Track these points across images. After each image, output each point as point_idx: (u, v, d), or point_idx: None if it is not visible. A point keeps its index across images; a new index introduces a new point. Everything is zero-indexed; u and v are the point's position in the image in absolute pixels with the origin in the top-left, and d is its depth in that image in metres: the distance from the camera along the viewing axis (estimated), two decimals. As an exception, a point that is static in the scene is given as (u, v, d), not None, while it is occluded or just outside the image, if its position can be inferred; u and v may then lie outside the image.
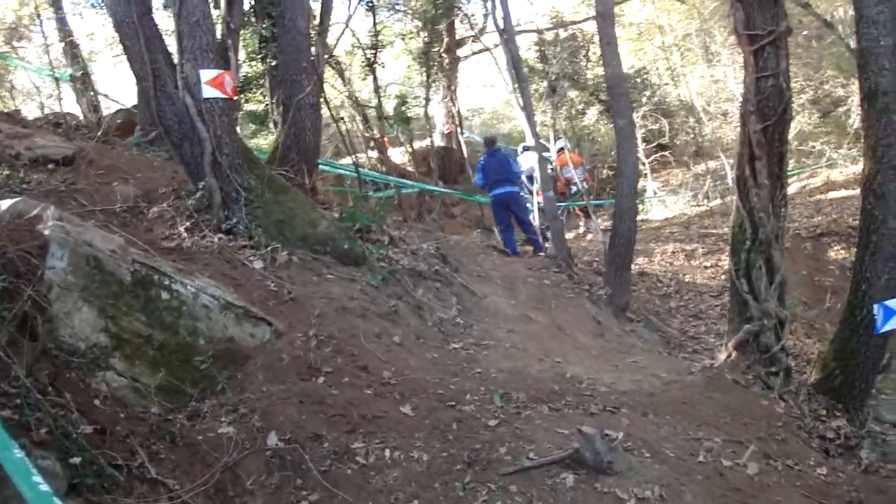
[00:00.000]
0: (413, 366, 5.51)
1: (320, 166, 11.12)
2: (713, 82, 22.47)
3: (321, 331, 5.33)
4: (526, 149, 14.15)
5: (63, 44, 14.40)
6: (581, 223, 16.05)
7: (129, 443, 3.71)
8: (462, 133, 21.48)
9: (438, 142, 21.28)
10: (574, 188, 15.21)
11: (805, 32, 21.76)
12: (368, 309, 6.14)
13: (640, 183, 17.92)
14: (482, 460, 4.12)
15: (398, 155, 20.92)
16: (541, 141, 11.73)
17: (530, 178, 13.42)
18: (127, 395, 4.14)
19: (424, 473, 4.01)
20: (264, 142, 17.06)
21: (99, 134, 8.79)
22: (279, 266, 6.13)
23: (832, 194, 15.68)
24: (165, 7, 11.02)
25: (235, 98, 7.61)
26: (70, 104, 15.02)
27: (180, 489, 3.58)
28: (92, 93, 13.82)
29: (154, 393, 4.22)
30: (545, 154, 14.28)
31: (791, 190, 17.09)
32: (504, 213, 12.13)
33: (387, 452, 4.12)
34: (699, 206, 17.57)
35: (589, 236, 14.63)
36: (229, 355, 4.74)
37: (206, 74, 6.39)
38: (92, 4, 14.18)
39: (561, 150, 15.85)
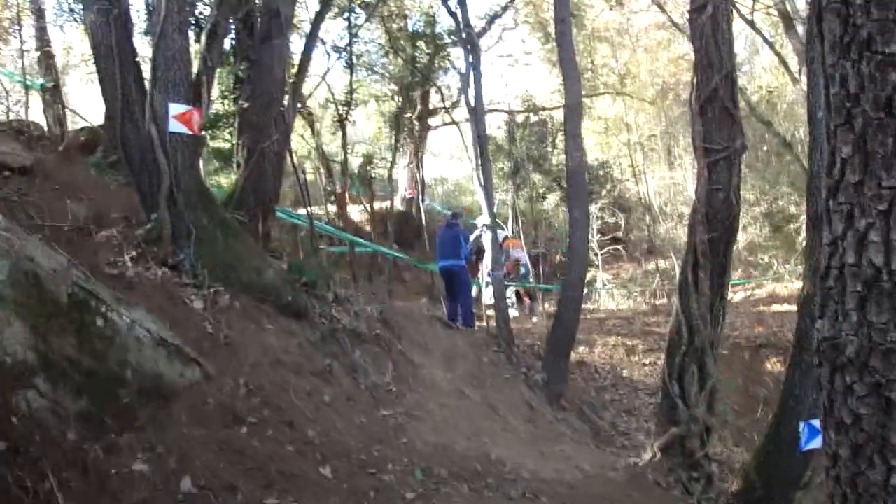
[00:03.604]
0: (339, 428, 5.46)
1: (277, 214, 11.11)
2: (672, 184, 23.12)
3: (252, 380, 5.27)
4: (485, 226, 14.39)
5: (39, 53, 14.30)
6: (525, 305, 16.23)
7: (41, 466, 3.60)
8: (423, 200, 21.67)
9: (399, 205, 21.42)
10: (523, 269, 15.47)
11: (766, 148, 22.58)
12: (303, 365, 6.09)
13: (591, 273, 18.23)
14: (395, 532, 4.08)
15: (357, 213, 20.99)
16: (497, 220, 11.92)
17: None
18: (46, 417, 4.03)
19: (335, 539, 3.96)
20: (226, 180, 17.01)
21: (61, 148, 8.70)
22: (219, 309, 6.07)
23: (775, 307, 16.06)
24: (146, 33, 11.05)
25: (202, 134, 7.62)
26: (36, 114, 14.84)
27: (84, 523, 3.48)
28: (60, 106, 13.69)
29: (74, 419, 4.11)
30: (499, 232, 14.54)
31: (736, 298, 17.54)
32: (449, 285, 12.29)
33: (300, 512, 4.06)
34: (646, 303, 17.87)
35: (534, 319, 14.75)
36: (155, 392, 4.65)
37: (175, 108, 6.41)
38: (74, 19, 14.14)
39: (506, 238, 16.24)
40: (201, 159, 12.02)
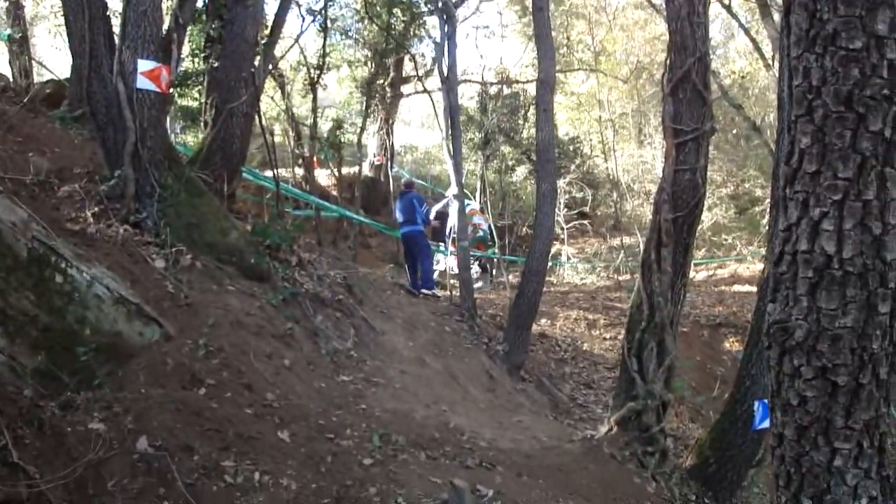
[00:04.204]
0: (298, 392, 5.49)
1: (243, 174, 11.02)
2: (641, 162, 23.25)
3: (211, 341, 5.26)
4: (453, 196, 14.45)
5: (7, 2, 13.96)
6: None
7: (-5, 422, 3.59)
8: (392, 167, 21.59)
9: (367, 171, 21.31)
10: (480, 233, 15.61)
11: (735, 131, 22.79)
12: (264, 327, 6.10)
13: (556, 247, 18.36)
14: (351, 497, 4.12)
15: (324, 177, 20.85)
16: (465, 191, 11.93)
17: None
18: (2, 372, 4.01)
19: (291, 502, 3.99)
20: (193, 139, 16.80)
21: (25, 100, 8.53)
22: (181, 269, 6.04)
23: (736, 287, 16.30)
24: (117, -12, 10.85)
25: (169, 93, 7.52)
26: (2, 65, 14.54)
27: (40, 479, 3.47)
28: (26, 57, 13.39)
29: (30, 375, 4.10)
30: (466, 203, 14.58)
31: (698, 278, 17.77)
32: (408, 250, 12.39)
33: (256, 475, 4.08)
34: (609, 278, 18.03)
35: (478, 284, 14.75)
36: (114, 350, 4.64)
37: (144, 65, 6.31)
38: (45, -31, 13.83)
39: (475, 209, 16.36)
40: (168, 117, 11.88)
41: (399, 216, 12.43)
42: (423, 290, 11.26)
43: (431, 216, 14.14)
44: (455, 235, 11.67)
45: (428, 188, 23.93)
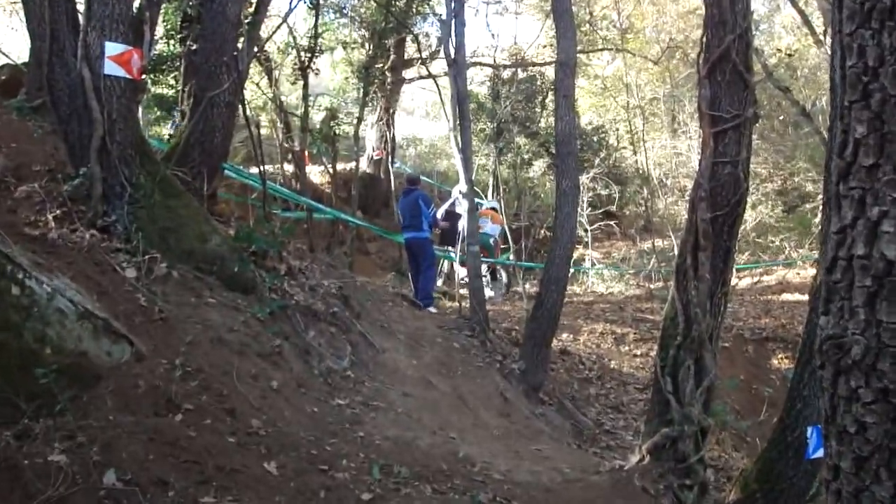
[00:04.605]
0: (288, 418, 5.47)
1: (225, 172, 11.04)
2: (675, 154, 23.17)
3: (189, 361, 5.25)
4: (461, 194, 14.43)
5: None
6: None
7: (-59, 454, 3.58)
8: (393, 163, 21.64)
9: (365, 167, 21.34)
10: (483, 236, 15.63)
11: (782, 117, 22.72)
12: (249, 345, 6.09)
13: (579, 251, 18.31)
14: (346, 537, 4.10)
15: (317, 174, 20.89)
16: (475, 189, 11.91)
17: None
18: (-52, 399, 4.00)
19: (278, 542, 3.97)
20: (167, 132, 16.83)
21: (-22, 88, 8.57)
22: (155, 279, 6.04)
23: (785, 296, 16.21)
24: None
25: (142, 79, 7.53)
26: (-45, 49, 14.63)
27: (-9, 519, 3.47)
28: (-23, 40, 13.49)
29: (-19, 401, 4.09)
30: (478, 203, 14.57)
31: (741, 285, 17.69)
32: (412, 258, 12.42)
33: (239, 512, 4.07)
34: (639, 286, 17.96)
35: (490, 294, 14.74)
36: (78, 372, 4.62)
37: (112, 48, 6.32)
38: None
39: (490, 208, 16.28)
40: (140, 107, 11.90)
41: (401, 218, 12.45)
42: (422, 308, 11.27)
43: (439, 216, 14.14)
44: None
45: (433, 186, 23.92)
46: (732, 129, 6.21)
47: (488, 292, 14.14)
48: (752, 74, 6.38)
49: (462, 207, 12.61)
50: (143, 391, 4.77)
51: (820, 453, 5.84)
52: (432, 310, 11.55)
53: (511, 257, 16.59)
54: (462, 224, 13.00)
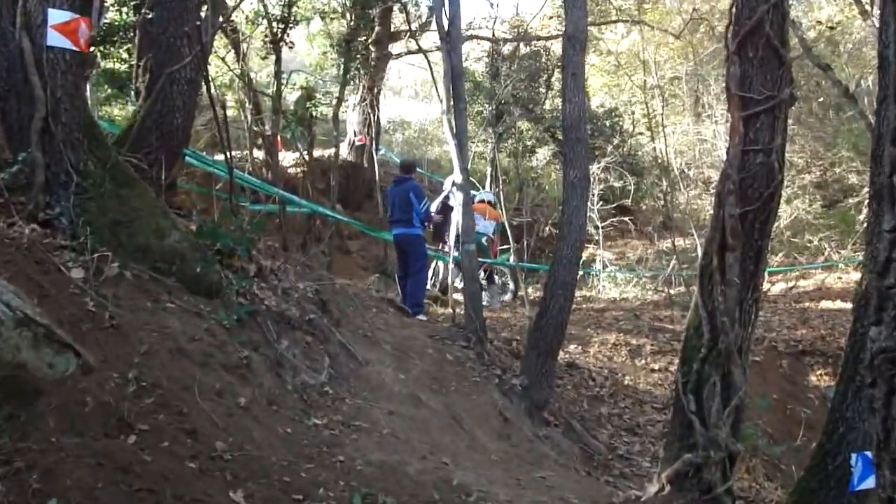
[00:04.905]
0: (257, 439, 5.44)
1: (187, 158, 11.01)
2: (699, 141, 23.19)
3: (144, 374, 5.21)
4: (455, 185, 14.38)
5: None
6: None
7: None
8: (377, 149, 21.61)
9: (346, 155, 21.32)
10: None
11: (822, 99, 22.73)
12: (213, 356, 6.05)
13: (589, 251, 18.34)
14: (324, 577, 4.07)
15: (291, 162, 20.86)
16: (471, 179, 11.88)
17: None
18: None
19: (246, 583, 3.94)
20: (121, 113, 16.80)
21: None
22: (105, 280, 6.00)
23: (825, 304, 16.20)
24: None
25: (90, 51, 7.49)
26: None
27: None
28: None
29: None
30: (479, 194, 14.55)
31: (774, 290, 17.72)
32: (401, 258, 12.41)
33: (201, 548, 4.04)
34: (658, 291, 17.99)
35: (485, 301, 14.74)
36: (15, 386, 4.58)
37: (56, 16, 6.28)
38: None
39: (482, 200, 16.20)
40: (88, 84, 11.86)
41: (391, 211, 12.41)
42: (414, 317, 11.25)
43: (433, 210, 14.10)
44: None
45: (424, 176, 23.91)
46: (765, 113, 6.19)
47: (485, 298, 14.11)
48: (789, 50, 6.36)
49: (456, 200, 12.57)
50: (91, 409, 4.73)
51: (867, 484, 5.81)
52: (422, 317, 11.54)
53: (512, 258, 16.53)
54: (455, 218, 12.93)
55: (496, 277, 16.58)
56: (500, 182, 19.36)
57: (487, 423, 8.23)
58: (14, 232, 5.95)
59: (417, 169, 21.27)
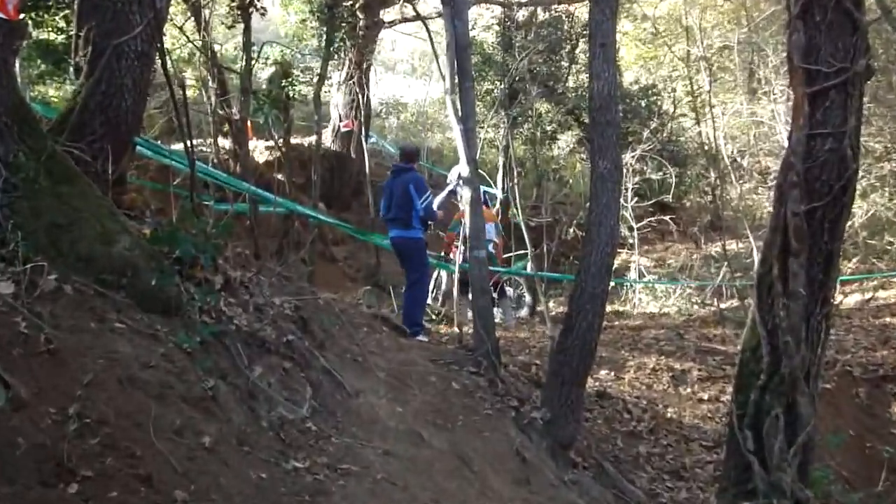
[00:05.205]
0: (225, 487, 5.41)
1: (138, 148, 11.00)
2: (754, 123, 23.16)
3: (88, 409, 5.18)
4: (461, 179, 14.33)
5: None
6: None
7: None
8: (368, 137, 21.59)
9: (329, 143, 21.33)
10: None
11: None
12: (171, 386, 6.02)
13: (622, 257, 18.32)
14: None
15: (264, 152, 20.86)
16: (481, 171, 11.82)
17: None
18: None
19: None
20: (57, 93, 16.80)
21: None
22: (41, 296, 5.97)
23: (910, 320, 16.14)
24: None
25: (20, 19, 7.45)
26: None
27: None
28: None
29: None
30: (489, 190, 14.50)
31: (848, 303, 17.67)
32: (402, 265, 12.40)
33: None
34: (705, 305, 17.96)
35: (498, 318, 14.71)
36: (-67, 425, 4.57)
37: (-21, -22, 6.28)
38: None
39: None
40: (18, 59, 11.86)
41: (384, 209, 12.35)
42: (415, 337, 11.25)
43: (436, 205, 13.99)
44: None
45: (424, 168, 23.88)
46: (835, 89, 6.18)
47: (497, 314, 14.09)
48: (864, 12, 6.34)
49: (463, 196, 12.52)
50: (24, 451, 4.70)
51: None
52: (423, 338, 11.51)
53: (529, 266, 16.49)
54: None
55: (509, 290, 16.54)
56: (515, 175, 19.32)
57: (502, 466, 8.21)
58: (-70, 238, 5.95)
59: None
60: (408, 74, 33.59)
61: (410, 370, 9.22)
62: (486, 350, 9.97)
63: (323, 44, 18.99)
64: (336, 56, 20.08)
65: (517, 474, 8.20)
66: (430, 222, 12.65)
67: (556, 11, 22.10)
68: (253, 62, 17.08)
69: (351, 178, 21.58)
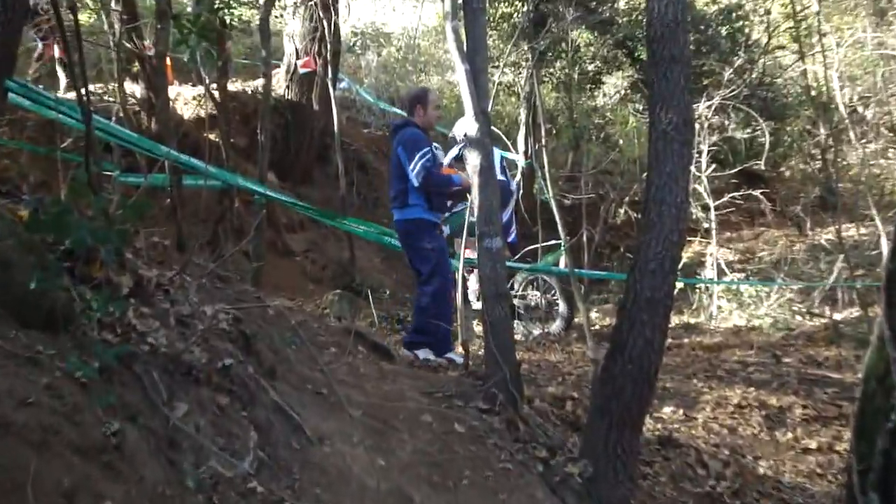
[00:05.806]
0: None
1: (10, 96, 11.01)
2: (883, 59, 23.07)
3: (-59, 465, 5.21)
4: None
5: None
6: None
7: None
8: (338, 81, 21.55)
9: (282, 89, 21.33)
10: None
11: None
12: (59, 431, 6.01)
13: (693, 247, 18.31)
14: None
15: (190, 102, 20.86)
16: (495, 129, 11.76)
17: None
18: None
19: None
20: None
21: None
22: None
23: None
24: None
25: None
26: None
27: None
28: None
29: None
30: (507, 155, 14.50)
31: None
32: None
33: None
34: (812, 315, 17.94)
35: (534, 332, 14.71)
36: None
37: None
38: None
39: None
40: None
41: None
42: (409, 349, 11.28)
43: (445, 161, 13.93)
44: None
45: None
46: None
47: (518, 328, 14.10)
48: None
49: (469, 163, 12.36)
50: None
51: None
52: (427, 356, 11.48)
53: (563, 261, 16.44)
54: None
55: (532, 293, 16.50)
56: (543, 134, 19.20)
57: (526, 543, 8.23)
58: None
59: (399, 111, 21.27)
60: (390, -6, 33.59)
61: (397, 407, 9.18)
62: (503, 379, 9.93)
63: (273, -49, 19.05)
64: (291, -35, 20.14)
65: (547, 556, 8.23)
66: (439, 193, 12.61)
67: None
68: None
69: (313, 139, 21.53)
